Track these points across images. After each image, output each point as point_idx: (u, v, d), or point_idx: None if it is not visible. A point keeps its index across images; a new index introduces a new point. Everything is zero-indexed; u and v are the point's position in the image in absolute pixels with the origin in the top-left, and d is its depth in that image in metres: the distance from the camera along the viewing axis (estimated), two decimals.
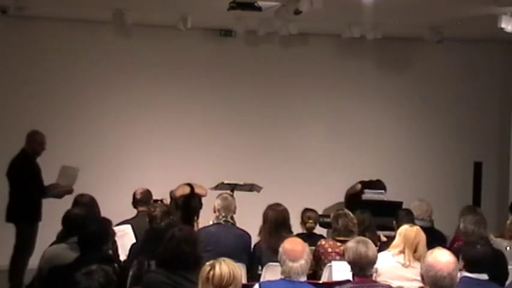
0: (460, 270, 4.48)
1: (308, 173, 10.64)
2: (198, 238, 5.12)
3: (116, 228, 6.04)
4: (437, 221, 7.56)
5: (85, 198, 6.82)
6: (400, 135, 10.96)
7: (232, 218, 6.55)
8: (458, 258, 4.34)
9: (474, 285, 4.59)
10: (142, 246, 5.78)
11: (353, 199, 9.82)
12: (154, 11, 9.26)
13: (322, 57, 10.86)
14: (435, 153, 11.01)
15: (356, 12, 8.67)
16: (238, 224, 6.65)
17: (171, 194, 8.82)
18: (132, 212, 7.34)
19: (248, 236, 6.43)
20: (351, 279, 4.78)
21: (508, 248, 6.54)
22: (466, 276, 4.22)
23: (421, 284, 5.25)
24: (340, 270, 5.46)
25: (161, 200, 7.81)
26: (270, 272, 5.79)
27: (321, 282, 5.61)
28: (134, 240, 6.31)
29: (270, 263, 5.85)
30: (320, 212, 8.34)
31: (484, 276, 4.70)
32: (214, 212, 6.56)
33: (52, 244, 5.86)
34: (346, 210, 6.44)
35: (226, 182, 9.14)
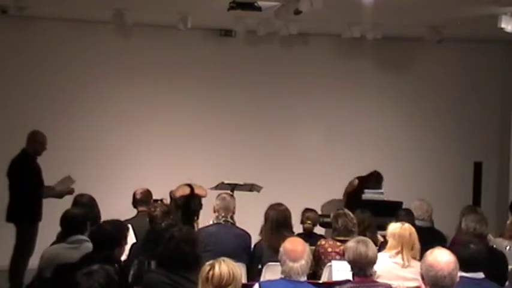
0: None
1: (308, 173, 10.64)
2: (198, 238, 5.12)
3: None
4: (437, 221, 7.56)
5: (85, 198, 6.83)
6: (400, 135, 10.96)
7: (232, 217, 6.55)
8: None
9: (472, 285, 4.59)
10: (143, 246, 5.79)
11: (353, 196, 9.83)
12: (154, 11, 9.26)
13: (322, 57, 10.86)
14: (435, 153, 11.01)
15: (356, 12, 8.67)
16: (238, 224, 6.65)
17: (171, 194, 8.83)
18: (132, 212, 7.34)
19: (248, 236, 6.43)
20: (351, 279, 4.77)
21: (508, 248, 6.54)
22: (462, 276, 4.22)
23: (420, 283, 5.28)
24: (340, 270, 5.46)
25: (161, 200, 7.82)
26: (270, 272, 5.79)
27: (321, 282, 5.61)
28: (134, 240, 6.31)
29: (270, 263, 5.86)
30: (319, 211, 8.36)
31: (480, 275, 4.71)
32: (214, 212, 6.57)
33: (52, 244, 5.87)
34: (346, 210, 6.44)
35: (226, 182, 9.15)
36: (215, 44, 10.59)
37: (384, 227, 7.18)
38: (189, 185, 8.82)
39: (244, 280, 5.44)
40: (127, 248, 6.02)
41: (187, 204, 8.61)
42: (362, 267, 4.60)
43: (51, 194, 8.13)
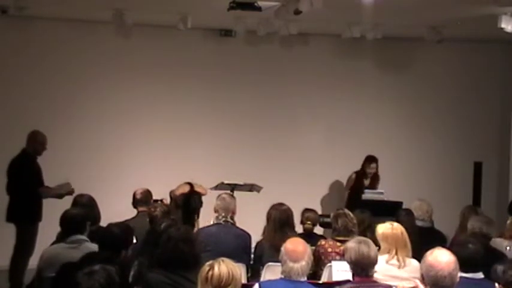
0: None
1: (308, 173, 10.64)
2: (195, 237, 5.13)
3: None
4: (437, 221, 7.56)
5: (84, 198, 6.83)
6: (400, 135, 10.96)
7: (232, 218, 6.56)
8: None
9: (471, 285, 4.59)
10: (143, 247, 5.79)
11: (354, 191, 9.82)
12: (154, 11, 9.26)
13: (322, 57, 10.85)
14: (435, 153, 11.01)
15: (356, 12, 8.67)
16: (238, 224, 6.65)
17: (171, 194, 8.86)
18: (132, 212, 7.34)
19: (248, 236, 6.44)
20: (351, 279, 4.77)
21: (508, 248, 6.54)
22: (461, 277, 4.22)
23: (416, 280, 5.28)
24: (340, 270, 5.46)
25: (161, 200, 7.83)
26: (270, 272, 5.79)
27: (321, 282, 5.61)
28: (134, 240, 6.31)
29: (270, 263, 5.86)
30: (320, 212, 8.37)
31: (479, 275, 4.71)
32: (215, 212, 6.58)
33: (52, 244, 5.87)
34: (346, 210, 6.44)
35: (226, 182, 9.16)
36: (215, 44, 10.59)
37: None
38: (189, 183, 8.85)
39: (244, 280, 5.45)
40: None
41: (187, 202, 8.65)
42: (364, 268, 4.59)
43: (50, 195, 8.13)
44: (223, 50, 10.57)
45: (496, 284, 4.53)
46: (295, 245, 4.64)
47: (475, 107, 11.16)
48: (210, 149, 10.16)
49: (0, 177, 8.27)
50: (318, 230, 7.63)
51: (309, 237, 6.57)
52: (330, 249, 6.05)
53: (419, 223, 7.03)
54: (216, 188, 9.09)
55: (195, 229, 8.39)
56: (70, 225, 5.63)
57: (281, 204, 6.42)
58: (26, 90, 9.85)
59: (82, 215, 5.77)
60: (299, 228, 7.01)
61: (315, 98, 10.82)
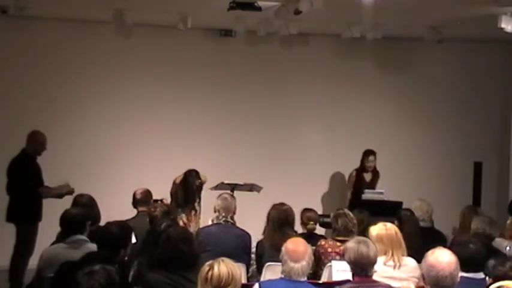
0: None
1: (308, 172, 10.64)
2: (194, 236, 5.14)
3: None
4: (437, 221, 7.57)
5: (84, 198, 6.83)
6: (400, 135, 10.96)
7: (232, 218, 6.57)
8: None
9: (472, 285, 4.60)
10: (143, 247, 5.79)
11: (357, 189, 9.79)
12: (154, 11, 9.26)
13: (322, 57, 10.85)
14: (435, 153, 11.01)
15: (356, 12, 8.67)
16: (238, 224, 6.66)
17: (174, 183, 8.99)
18: (132, 212, 7.34)
19: (248, 236, 6.44)
20: (350, 279, 4.77)
21: (508, 248, 6.53)
22: (462, 277, 4.23)
23: (413, 280, 5.27)
24: (340, 270, 5.45)
25: (161, 200, 7.83)
26: (270, 272, 5.79)
27: (321, 282, 5.61)
28: (134, 240, 6.31)
29: (271, 263, 5.86)
30: (321, 211, 8.37)
31: (481, 275, 4.71)
32: (215, 212, 6.58)
33: (52, 244, 5.86)
34: (346, 210, 6.44)
35: (226, 182, 9.17)
36: (215, 44, 10.59)
37: None
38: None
39: (244, 280, 5.45)
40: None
41: (186, 180, 8.70)
42: (363, 268, 4.59)
43: (50, 195, 8.13)
44: (223, 50, 10.57)
45: (487, 278, 4.57)
46: (296, 245, 4.64)
47: (475, 107, 11.16)
48: (210, 148, 10.15)
49: (0, 177, 8.27)
50: (318, 230, 7.62)
51: (309, 237, 6.58)
52: (330, 249, 6.05)
53: (419, 223, 7.03)
54: (216, 188, 9.10)
55: (197, 211, 8.85)
56: (70, 225, 5.63)
57: (282, 204, 6.43)
58: (26, 90, 9.85)
59: (82, 215, 5.76)
60: (298, 229, 7.01)
61: (315, 98, 10.82)
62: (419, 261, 5.18)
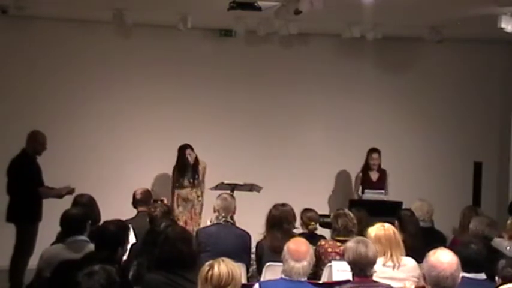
0: None
1: (308, 173, 10.64)
2: (192, 236, 5.14)
3: None
4: (437, 221, 7.57)
5: (84, 198, 6.83)
6: (400, 134, 10.95)
7: (232, 218, 6.57)
8: None
9: (473, 286, 4.60)
10: (142, 247, 5.78)
11: (364, 187, 9.76)
12: (155, 11, 9.26)
13: (322, 57, 10.85)
14: (435, 153, 11.01)
15: (356, 12, 8.67)
16: (238, 224, 6.66)
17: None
18: (132, 212, 7.34)
19: (248, 236, 6.45)
20: (350, 279, 4.77)
21: (508, 248, 6.53)
22: (464, 277, 4.23)
23: (413, 279, 5.27)
24: (340, 270, 5.45)
25: (161, 200, 7.83)
26: (270, 272, 5.80)
27: (321, 282, 5.61)
28: (134, 241, 6.31)
29: (270, 263, 5.87)
30: (321, 211, 8.35)
31: (482, 276, 4.71)
32: (215, 212, 6.58)
33: (52, 244, 5.86)
34: (346, 210, 6.45)
35: (226, 182, 9.18)
36: (215, 44, 10.59)
37: None
38: None
39: (244, 280, 5.45)
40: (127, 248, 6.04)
41: (178, 151, 9.44)
42: (362, 268, 4.59)
43: (51, 194, 8.13)
44: (223, 50, 10.57)
45: (496, 278, 4.59)
46: (298, 245, 4.65)
47: (475, 107, 11.16)
48: (210, 148, 10.14)
49: (0, 177, 8.27)
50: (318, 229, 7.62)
51: (310, 237, 6.58)
52: (330, 249, 6.05)
53: (419, 223, 7.03)
54: (216, 188, 9.11)
55: (195, 186, 9.46)
56: (70, 225, 5.63)
57: (283, 204, 6.43)
58: (25, 90, 9.85)
59: (82, 215, 5.76)
60: (299, 229, 7.01)
61: (315, 98, 10.81)
62: (419, 261, 5.20)
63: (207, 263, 4.00)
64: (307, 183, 10.44)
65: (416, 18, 9.35)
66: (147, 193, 7.50)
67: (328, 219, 7.10)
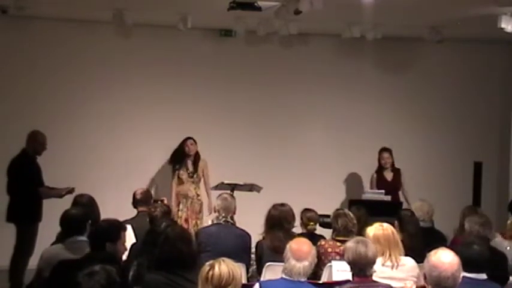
0: None
1: (308, 173, 10.64)
2: (192, 236, 5.14)
3: None
4: (437, 221, 7.57)
5: (84, 198, 6.83)
6: (400, 134, 10.94)
7: (232, 218, 6.57)
8: None
9: (474, 286, 4.59)
10: (142, 247, 5.78)
11: (380, 188, 9.68)
12: (155, 11, 9.26)
13: (322, 57, 10.85)
14: (435, 153, 11.01)
15: (356, 12, 8.67)
16: (238, 224, 6.66)
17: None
18: (132, 212, 7.34)
19: (248, 236, 6.45)
20: (350, 279, 4.77)
21: (508, 248, 6.54)
22: (465, 277, 4.23)
23: (412, 279, 5.27)
24: (340, 270, 5.45)
25: (161, 200, 7.83)
26: (270, 272, 5.80)
27: (321, 282, 5.61)
28: (134, 240, 6.31)
29: (270, 263, 5.87)
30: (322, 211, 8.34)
31: (483, 276, 4.71)
32: (215, 211, 6.58)
33: (52, 244, 5.86)
34: (346, 210, 6.46)
35: (226, 182, 9.18)
36: (215, 44, 10.59)
37: None
38: None
39: (244, 280, 5.45)
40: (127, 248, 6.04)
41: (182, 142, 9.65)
42: (362, 268, 4.59)
43: (51, 195, 8.13)
44: (223, 50, 10.57)
45: (511, 278, 4.56)
46: (300, 245, 4.66)
47: (475, 107, 11.16)
48: (210, 148, 10.13)
49: (0, 177, 8.27)
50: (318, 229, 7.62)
51: (309, 237, 6.58)
52: (330, 249, 6.06)
53: (419, 223, 7.03)
54: (216, 188, 9.12)
55: (192, 176, 9.54)
56: (70, 225, 5.63)
57: (282, 204, 6.44)
58: (25, 90, 9.85)
59: (82, 215, 5.77)
60: (297, 229, 7.01)
61: (315, 98, 10.82)
62: (419, 261, 5.20)
63: (208, 263, 4.00)
64: (307, 183, 10.44)
65: (416, 18, 9.35)
66: (147, 193, 7.50)
67: (328, 219, 7.09)
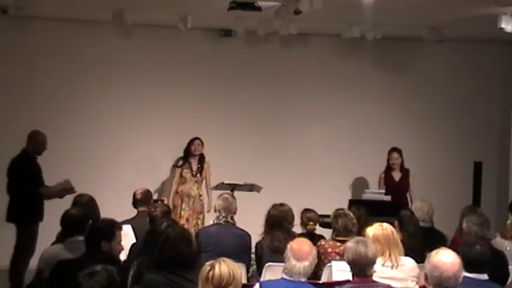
0: None
1: (308, 173, 10.64)
2: (192, 236, 5.14)
3: None
4: (437, 221, 7.57)
5: (84, 198, 6.83)
6: (400, 134, 10.94)
7: (232, 218, 6.57)
8: None
9: (475, 286, 4.60)
10: (142, 247, 5.78)
11: (388, 188, 9.65)
12: (155, 11, 9.26)
13: (322, 57, 10.85)
14: (435, 152, 11.01)
15: (356, 12, 8.67)
16: (238, 224, 6.66)
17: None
18: (132, 212, 7.34)
19: (248, 236, 6.45)
20: (350, 279, 4.77)
21: (508, 248, 6.53)
22: (465, 277, 4.23)
23: (412, 279, 5.27)
24: (340, 270, 5.45)
25: (161, 200, 7.83)
26: (270, 272, 5.80)
27: (321, 282, 5.61)
28: (134, 240, 6.31)
29: (270, 263, 5.87)
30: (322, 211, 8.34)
31: (484, 276, 4.71)
32: (215, 211, 6.58)
33: (52, 244, 5.86)
34: (346, 210, 6.46)
35: (226, 182, 9.19)
36: (215, 44, 10.59)
37: None
38: None
39: (244, 280, 5.45)
40: (127, 248, 6.04)
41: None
42: (362, 268, 4.59)
43: (52, 195, 8.12)
44: (223, 50, 10.57)
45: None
46: (301, 245, 4.66)
47: (475, 107, 11.16)
48: (210, 148, 10.13)
49: (0, 177, 8.27)
50: (318, 230, 7.62)
51: (310, 237, 6.58)
52: (330, 249, 6.06)
53: (419, 223, 7.03)
54: (216, 188, 9.13)
55: (194, 174, 9.59)
56: (71, 225, 5.63)
57: (281, 204, 6.44)
58: (25, 90, 9.85)
59: (82, 215, 5.76)
60: (297, 229, 7.01)
61: (315, 98, 10.82)
62: (419, 261, 5.20)
63: (208, 263, 4.00)
64: (307, 183, 10.44)
65: (416, 18, 9.36)
66: (147, 193, 7.49)
67: (328, 219, 7.09)
